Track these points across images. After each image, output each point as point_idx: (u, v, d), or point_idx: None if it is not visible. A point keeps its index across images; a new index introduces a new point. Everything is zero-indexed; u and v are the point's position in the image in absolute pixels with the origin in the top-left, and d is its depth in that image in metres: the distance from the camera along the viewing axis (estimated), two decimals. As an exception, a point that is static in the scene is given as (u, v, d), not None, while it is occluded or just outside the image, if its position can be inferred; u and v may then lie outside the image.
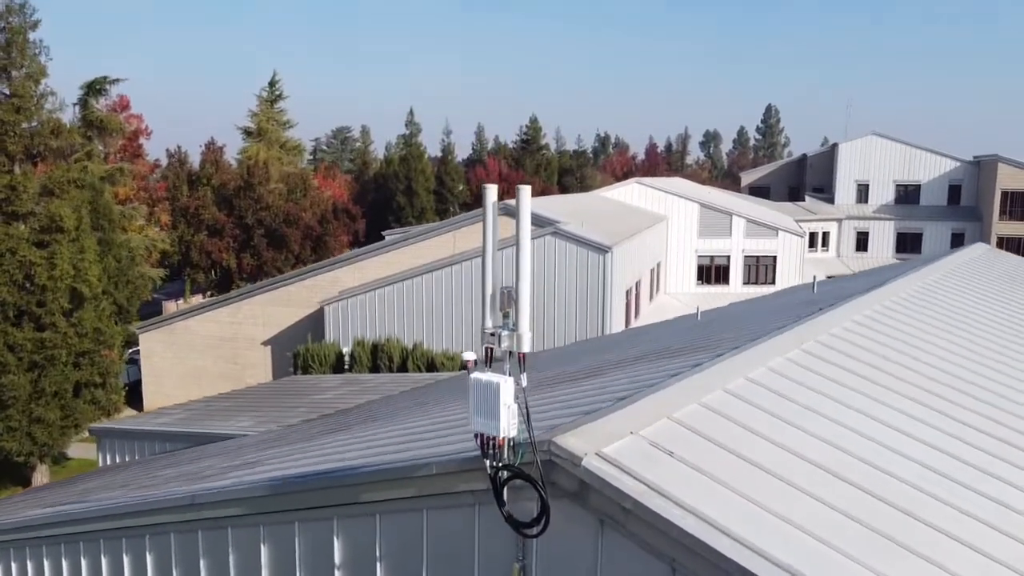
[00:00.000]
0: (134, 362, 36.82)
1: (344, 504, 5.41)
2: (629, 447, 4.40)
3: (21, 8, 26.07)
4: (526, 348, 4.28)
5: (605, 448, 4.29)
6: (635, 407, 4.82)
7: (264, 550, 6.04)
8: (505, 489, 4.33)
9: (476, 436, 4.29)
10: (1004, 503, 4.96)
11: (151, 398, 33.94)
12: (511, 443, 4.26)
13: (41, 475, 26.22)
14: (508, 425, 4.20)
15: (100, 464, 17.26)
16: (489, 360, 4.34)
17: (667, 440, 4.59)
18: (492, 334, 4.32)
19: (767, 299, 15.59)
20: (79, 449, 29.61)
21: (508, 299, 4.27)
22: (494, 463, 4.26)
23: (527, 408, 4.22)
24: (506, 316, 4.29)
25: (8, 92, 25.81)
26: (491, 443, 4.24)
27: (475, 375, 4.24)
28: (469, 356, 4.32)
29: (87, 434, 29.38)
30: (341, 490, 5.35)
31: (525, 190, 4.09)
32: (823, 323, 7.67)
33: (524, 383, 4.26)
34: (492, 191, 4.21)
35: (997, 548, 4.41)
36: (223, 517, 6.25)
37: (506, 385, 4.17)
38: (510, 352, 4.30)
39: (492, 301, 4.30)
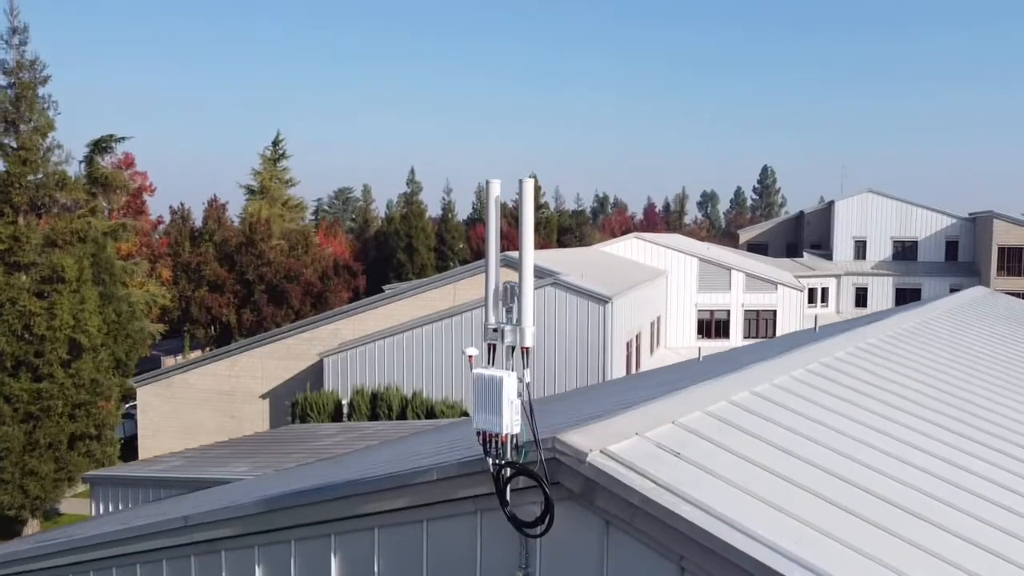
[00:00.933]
0: (130, 417, 36.46)
1: (341, 519, 5.26)
2: (635, 447, 4.30)
3: (32, 64, 26.69)
4: (529, 342, 4.22)
5: (611, 447, 4.19)
6: (640, 411, 4.74)
7: (259, 573, 5.86)
8: (508, 489, 4.21)
9: (478, 434, 4.20)
10: (1011, 508, 4.86)
11: (146, 453, 33.43)
12: (514, 440, 4.16)
13: (31, 530, 25.64)
14: (511, 421, 4.11)
15: (93, 513, 16.90)
16: (491, 356, 4.28)
17: (673, 442, 4.49)
18: (495, 330, 4.27)
19: (769, 341, 15.52)
20: (71, 505, 29.06)
21: (511, 294, 4.23)
22: (496, 461, 4.16)
23: (531, 403, 4.14)
24: (509, 311, 4.24)
25: (16, 145, 26.20)
26: (494, 440, 4.15)
27: (477, 371, 4.17)
28: (471, 351, 4.25)
29: (79, 488, 28.91)
30: (338, 503, 5.21)
31: (528, 183, 4.10)
32: (827, 348, 7.61)
33: (528, 379, 4.19)
34: (495, 185, 4.21)
35: (1008, 548, 4.33)
36: (216, 539, 6.08)
37: (509, 380, 4.09)
38: (512, 347, 4.24)
39: (495, 297, 4.27)
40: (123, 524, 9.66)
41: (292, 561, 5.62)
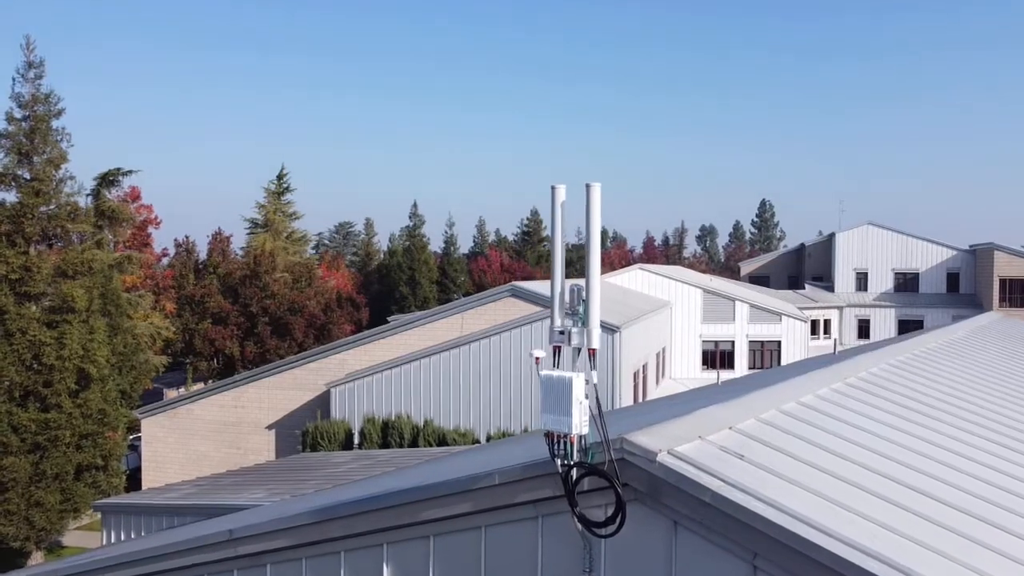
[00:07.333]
0: (134, 448, 36.23)
1: (395, 527, 5.26)
2: (700, 449, 4.35)
3: (47, 98, 26.99)
4: (596, 344, 4.28)
5: (677, 447, 4.23)
6: (698, 416, 4.79)
7: (306, 586, 5.83)
8: (575, 490, 4.24)
9: (546, 435, 4.23)
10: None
11: (151, 485, 33.11)
12: (583, 442, 4.20)
13: (35, 563, 25.32)
14: (580, 422, 4.16)
15: (104, 543, 16.71)
16: (558, 358, 4.33)
17: (735, 446, 4.54)
18: (561, 332, 4.33)
19: (788, 365, 15.53)
20: (74, 537, 28.75)
21: (578, 297, 4.30)
22: (565, 462, 4.19)
23: (599, 404, 4.19)
24: (575, 313, 4.31)
25: (29, 176, 26.41)
26: (562, 441, 4.19)
27: (545, 372, 4.22)
28: (539, 353, 4.31)
29: (84, 521, 28.61)
30: (393, 511, 5.21)
31: (595, 187, 4.19)
32: (861, 363, 7.69)
33: (595, 380, 4.25)
34: (561, 190, 4.31)
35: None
36: (262, 552, 6.06)
37: (578, 380, 4.15)
38: (579, 349, 4.30)
39: (561, 299, 4.34)
40: (146, 544, 9.59)
41: (342, 572, 5.61)
